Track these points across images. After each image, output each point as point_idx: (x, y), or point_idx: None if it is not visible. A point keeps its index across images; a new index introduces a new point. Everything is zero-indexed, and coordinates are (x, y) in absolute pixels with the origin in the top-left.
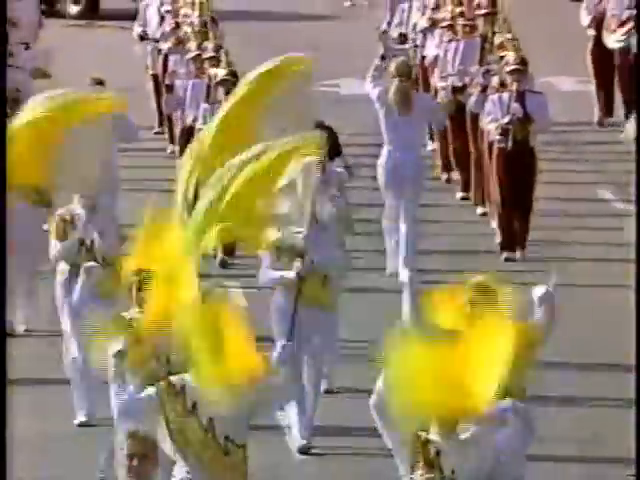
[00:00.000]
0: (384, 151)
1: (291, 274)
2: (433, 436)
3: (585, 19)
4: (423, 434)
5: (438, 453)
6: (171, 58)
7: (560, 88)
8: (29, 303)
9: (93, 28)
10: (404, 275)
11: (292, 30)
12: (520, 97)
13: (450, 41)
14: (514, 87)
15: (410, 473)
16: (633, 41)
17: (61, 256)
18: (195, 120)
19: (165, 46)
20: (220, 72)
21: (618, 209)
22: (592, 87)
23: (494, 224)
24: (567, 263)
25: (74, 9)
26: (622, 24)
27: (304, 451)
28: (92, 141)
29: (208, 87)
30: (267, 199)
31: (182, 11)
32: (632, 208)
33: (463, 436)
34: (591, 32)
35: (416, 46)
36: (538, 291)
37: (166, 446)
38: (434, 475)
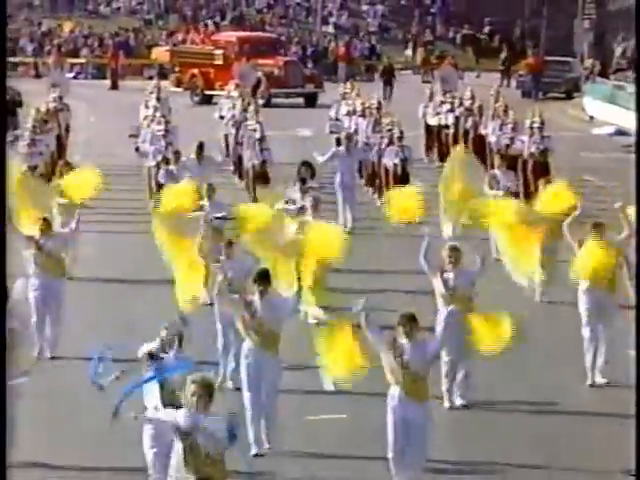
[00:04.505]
0: (338, 173)
1: None
2: (400, 339)
3: (420, 112)
4: (396, 338)
5: (402, 351)
6: (234, 131)
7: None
8: None
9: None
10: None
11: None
12: (402, 149)
13: (364, 120)
14: (398, 144)
15: (389, 360)
16: (450, 119)
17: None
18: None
19: (230, 123)
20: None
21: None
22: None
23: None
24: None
25: None
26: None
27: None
28: None
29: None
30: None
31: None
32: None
33: (418, 339)
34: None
35: (338, 120)
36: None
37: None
38: (400, 361)
